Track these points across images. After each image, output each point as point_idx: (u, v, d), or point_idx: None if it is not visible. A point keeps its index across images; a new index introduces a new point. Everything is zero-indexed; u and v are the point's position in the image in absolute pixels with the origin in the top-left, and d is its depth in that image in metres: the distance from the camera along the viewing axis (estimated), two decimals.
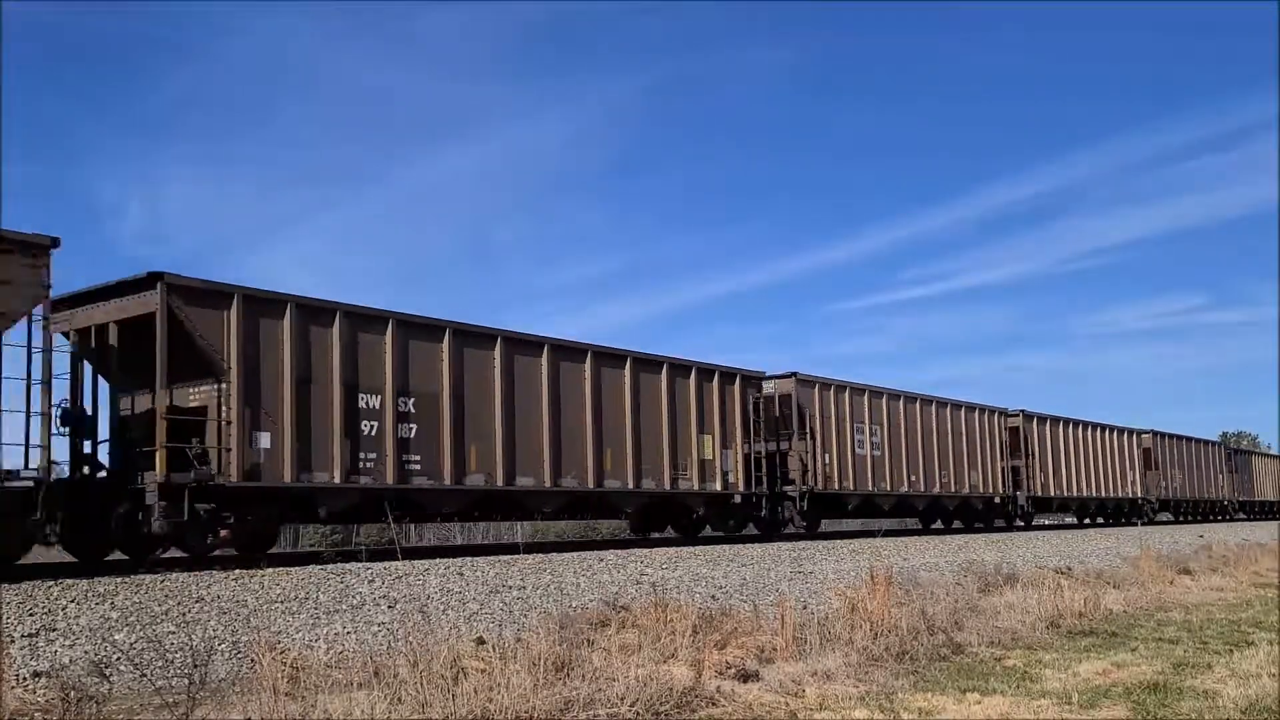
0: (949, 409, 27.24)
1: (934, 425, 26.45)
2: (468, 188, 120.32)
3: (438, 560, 13.09)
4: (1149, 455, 37.94)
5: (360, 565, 11.97)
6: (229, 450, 12.52)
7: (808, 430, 22.08)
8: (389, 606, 10.08)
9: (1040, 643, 9.91)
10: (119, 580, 9.98)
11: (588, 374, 17.33)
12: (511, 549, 15.75)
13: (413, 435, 14.46)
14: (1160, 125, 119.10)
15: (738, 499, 20.12)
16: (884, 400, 24.67)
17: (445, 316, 15.29)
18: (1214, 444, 45.94)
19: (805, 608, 10.63)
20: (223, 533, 12.86)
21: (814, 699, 7.15)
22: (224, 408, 12.61)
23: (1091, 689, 7.58)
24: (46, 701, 6.43)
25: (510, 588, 11.56)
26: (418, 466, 14.51)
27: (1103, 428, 35.19)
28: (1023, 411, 30.84)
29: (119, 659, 7.63)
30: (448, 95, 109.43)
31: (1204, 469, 42.72)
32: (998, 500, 29.19)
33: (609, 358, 17.88)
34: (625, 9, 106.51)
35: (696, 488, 19.18)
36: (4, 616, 8.21)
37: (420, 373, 14.67)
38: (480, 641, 8.09)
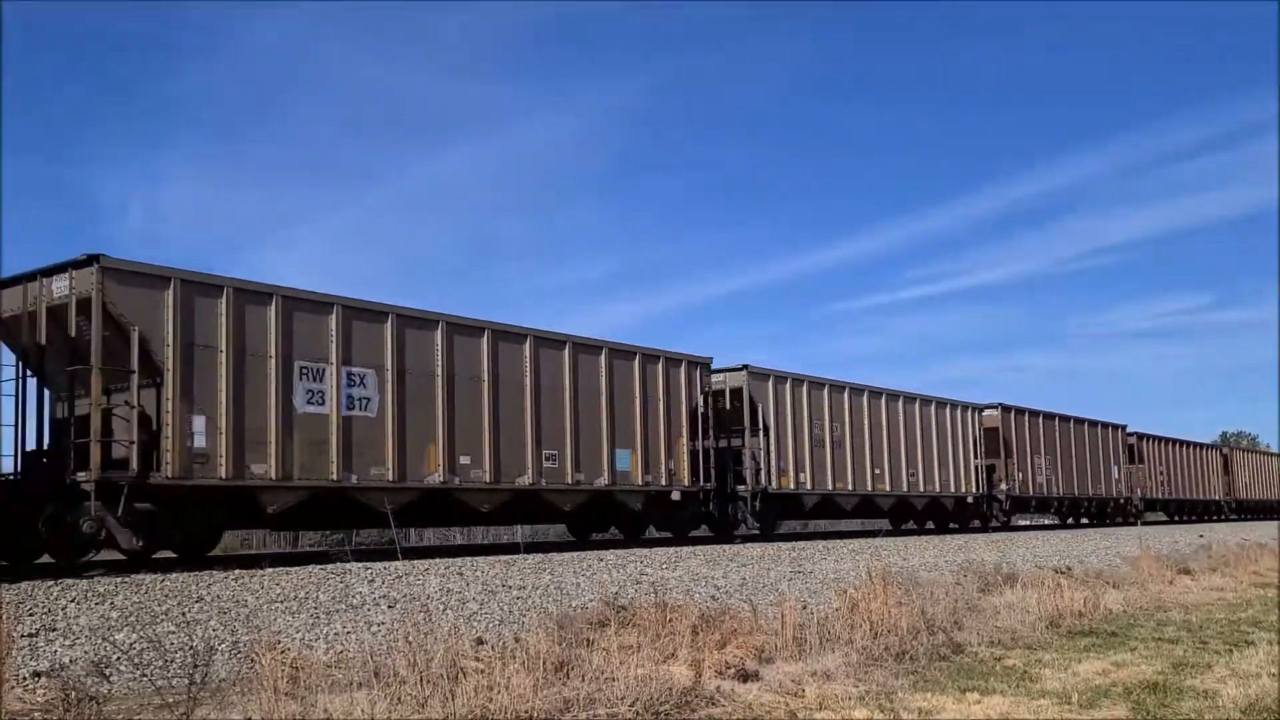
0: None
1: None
2: (470, 187, 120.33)
3: (437, 560, 13.10)
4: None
5: (360, 565, 11.98)
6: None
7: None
8: (389, 606, 10.08)
9: (1040, 642, 9.92)
10: (119, 580, 10.00)
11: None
12: (512, 549, 15.75)
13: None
14: (1160, 125, 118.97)
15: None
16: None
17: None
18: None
19: (805, 607, 10.62)
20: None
21: (814, 699, 7.15)
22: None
23: (1091, 689, 7.59)
24: (46, 701, 6.43)
25: (510, 588, 11.57)
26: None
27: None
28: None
29: (119, 659, 7.64)
30: (451, 94, 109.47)
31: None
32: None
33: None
34: (627, 8, 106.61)
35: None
36: (4, 616, 8.21)
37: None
38: (480, 641, 8.10)
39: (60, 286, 12.23)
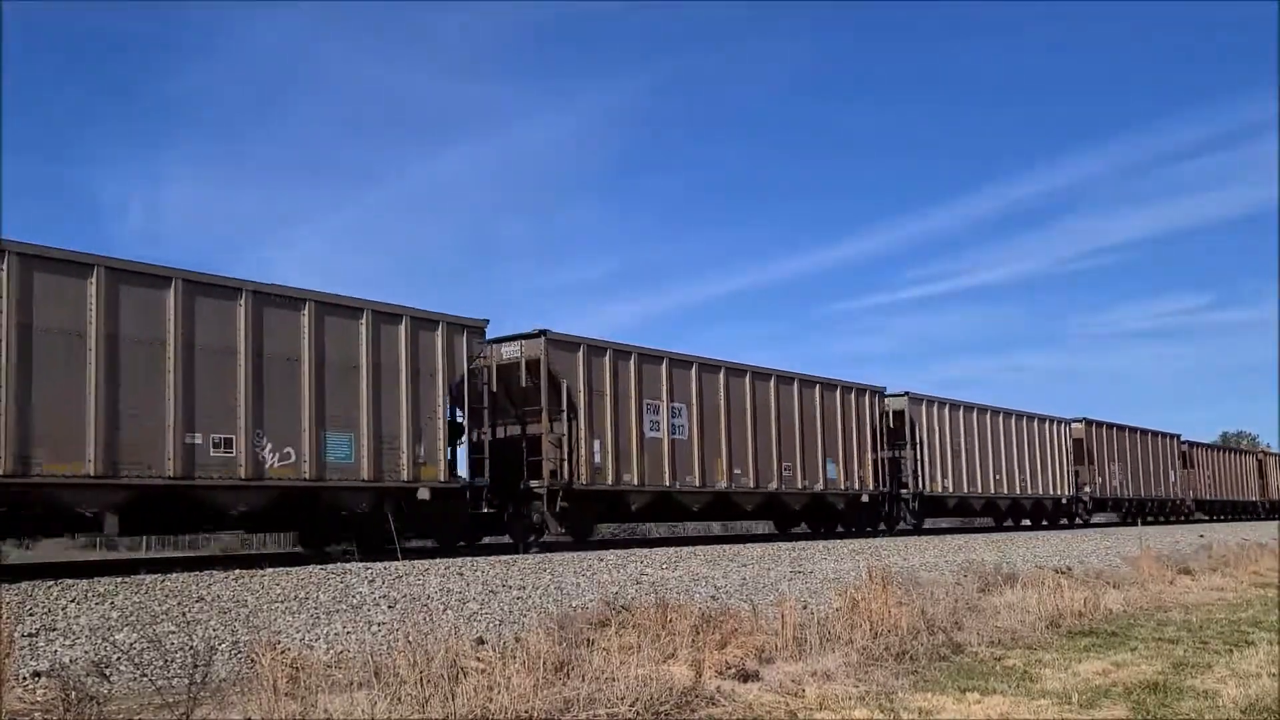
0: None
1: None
2: (470, 187, 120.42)
3: (438, 560, 13.10)
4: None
5: (360, 565, 11.98)
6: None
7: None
8: (389, 606, 10.08)
9: (1040, 642, 9.91)
10: (119, 580, 9.99)
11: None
12: (511, 549, 15.78)
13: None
14: (1160, 125, 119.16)
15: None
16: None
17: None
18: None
19: (805, 607, 10.62)
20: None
21: (814, 699, 7.15)
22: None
23: (1091, 689, 7.58)
24: (47, 701, 6.43)
25: (510, 588, 11.57)
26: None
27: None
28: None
29: (119, 659, 7.63)
30: (451, 94, 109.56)
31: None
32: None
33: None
34: (627, 8, 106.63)
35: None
36: (4, 616, 8.21)
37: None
38: (480, 641, 8.09)
39: (510, 351, 17.17)
